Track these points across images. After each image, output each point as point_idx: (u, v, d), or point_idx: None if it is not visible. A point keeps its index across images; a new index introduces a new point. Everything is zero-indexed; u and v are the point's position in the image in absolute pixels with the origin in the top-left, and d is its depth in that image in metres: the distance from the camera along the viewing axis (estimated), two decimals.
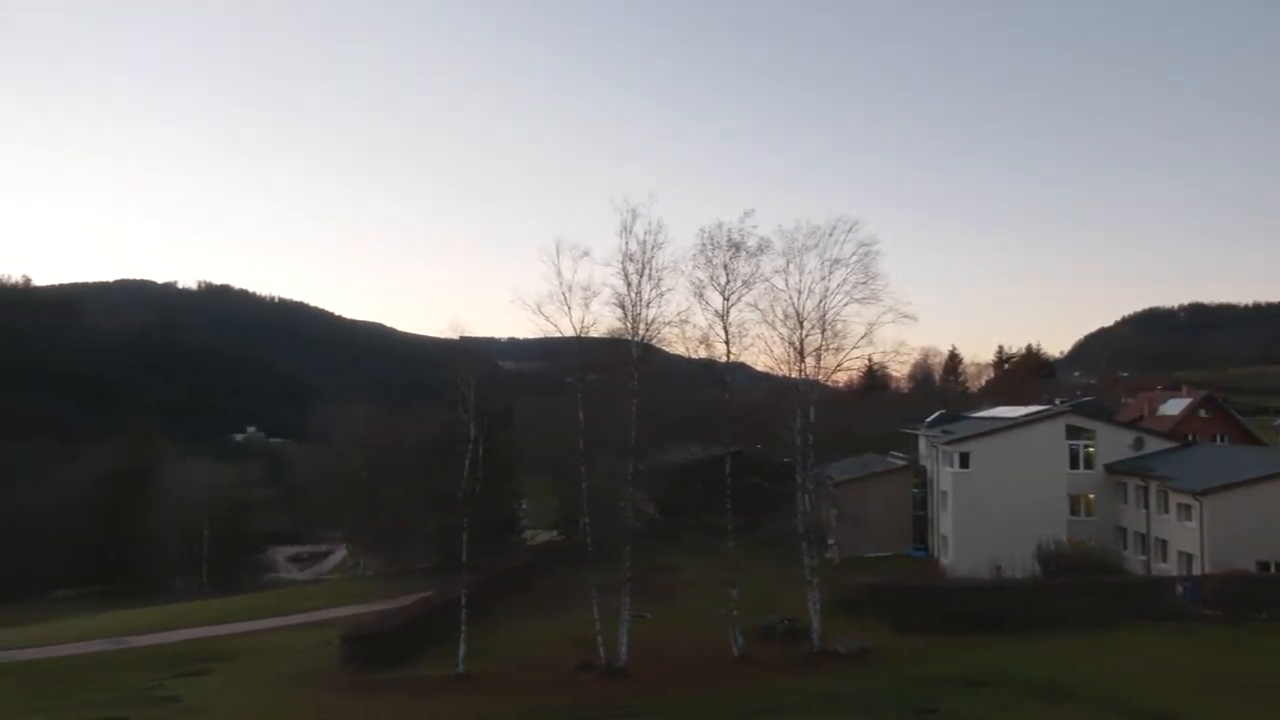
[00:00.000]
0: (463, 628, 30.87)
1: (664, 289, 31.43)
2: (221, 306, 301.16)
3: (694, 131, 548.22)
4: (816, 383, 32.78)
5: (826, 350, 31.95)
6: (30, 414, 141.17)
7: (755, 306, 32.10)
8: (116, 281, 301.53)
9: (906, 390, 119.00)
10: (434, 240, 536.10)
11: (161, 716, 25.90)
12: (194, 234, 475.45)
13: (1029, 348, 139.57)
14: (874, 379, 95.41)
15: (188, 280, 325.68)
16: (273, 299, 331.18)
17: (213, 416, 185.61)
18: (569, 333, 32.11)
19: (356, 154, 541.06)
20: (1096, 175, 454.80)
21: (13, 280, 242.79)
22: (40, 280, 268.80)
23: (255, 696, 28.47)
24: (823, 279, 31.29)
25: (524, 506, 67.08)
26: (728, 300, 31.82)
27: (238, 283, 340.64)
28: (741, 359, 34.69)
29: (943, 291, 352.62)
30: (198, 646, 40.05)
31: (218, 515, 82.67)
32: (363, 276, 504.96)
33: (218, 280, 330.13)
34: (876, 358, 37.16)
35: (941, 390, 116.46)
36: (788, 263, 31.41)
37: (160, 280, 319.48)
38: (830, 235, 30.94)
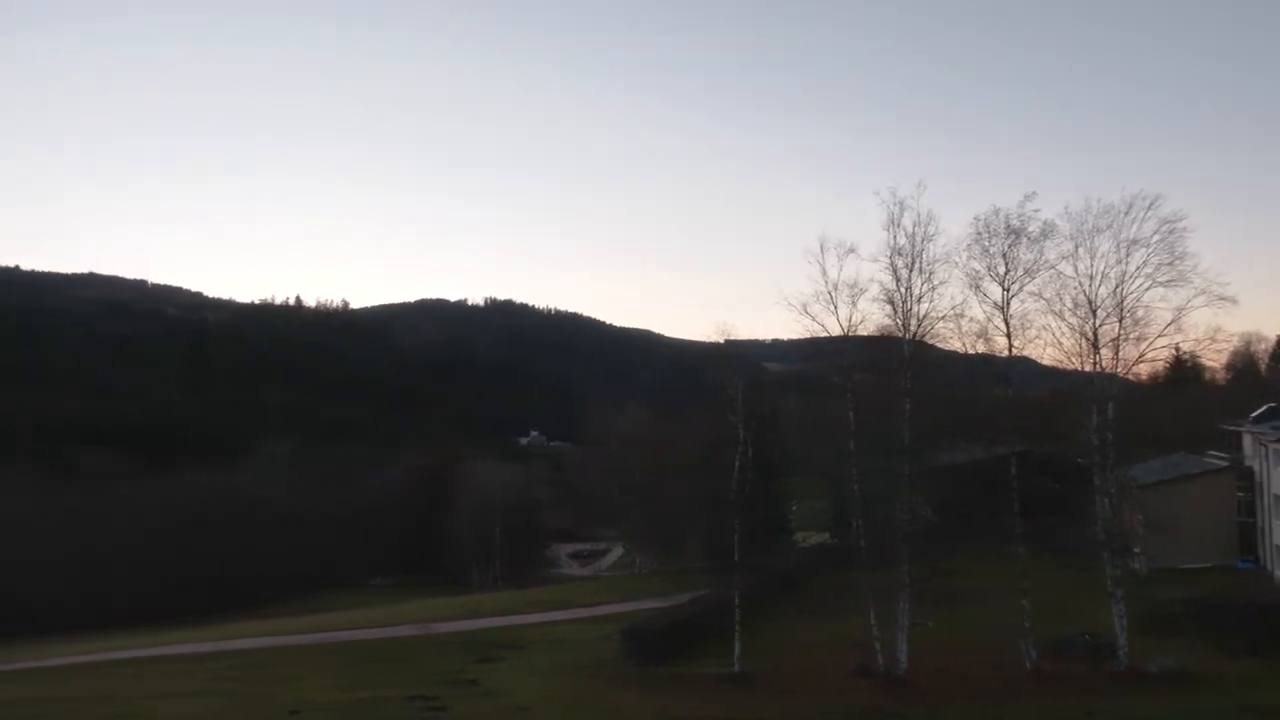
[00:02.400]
0: (737, 627, 31.03)
1: (936, 282, 29.87)
2: (506, 320, 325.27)
3: (965, 116, 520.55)
4: (1114, 376, 29.70)
5: (1125, 340, 28.84)
6: (352, 421, 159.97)
7: (1039, 296, 29.60)
8: (417, 301, 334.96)
9: (1223, 382, 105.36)
10: (699, 246, 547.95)
11: (464, 698, 28.05)
12: (481, 255, 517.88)
13: None
14: (1183, 370, 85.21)
15: (476, 297, 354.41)
16: (550, 311, 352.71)
17: (500, 422, 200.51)
18: (836, 332, 31.40)
19: (626, 169, 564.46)
20: None
21: (335, 305, 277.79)
22: (357, 304, 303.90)
23: (546, 684, 30.20)
24: (1119, 262, 28.25)
25: (794, 508, 66.58)
26: (1008, 291, 29.63)
27: (519, 297, 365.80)
28: (1025, 353, 32.19)
29: (1271, 269, 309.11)
30: (493, 635, 42.98)
31: (507, 514, 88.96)
32: (632, 286, 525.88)
33: (502, 296, 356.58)
34: (1186, 347, 32.98)
35: (1270, 380, 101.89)
36: (1076, 247, 28.66)
37: (453, 299, 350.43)
38: (1127, 214, 27.88)
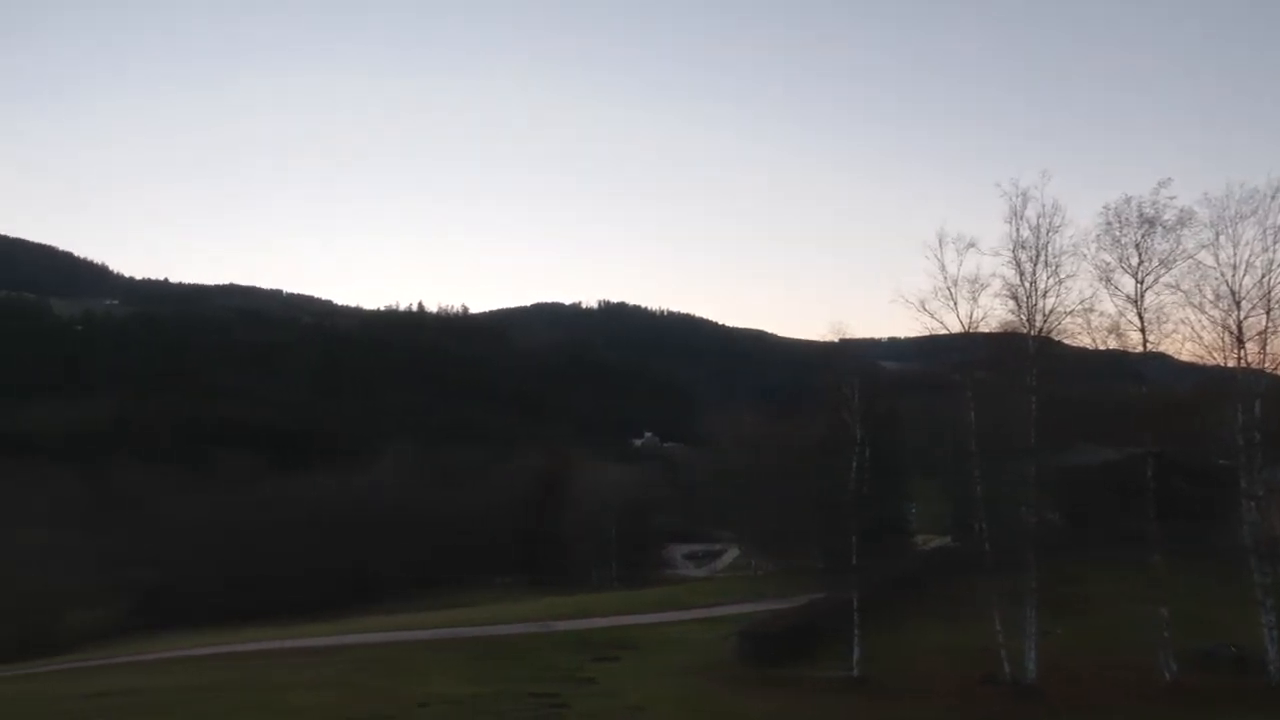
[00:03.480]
0: (856, 631, 30.52)
1: (1063, 276, 28.65)
2: (619, 322, 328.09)
3: (1090, 100, 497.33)
4: (1261, 372, 27.90)
5: (1274, 334, 27.03)
6: (471, 423, 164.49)
7: (1176, 288, 28.00)
8: (533, 305, 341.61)
9: None
10: (811, 244, 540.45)
11: (583, 696, 28.48)
12: (594, 258, 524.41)
13: None
14: None
15: (590, 300, 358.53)
16: (662, 312, 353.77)
17: (615, 423, 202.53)
18: (955, 329, 30.56)
19: (736, 169, 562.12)
20: None
21: (454, 310, 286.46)
22: (475, 308, 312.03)
23: (662, 684, 30.38)
24: (1265, 250, 26.45)
25: (913, 510, 64.99)
26: (1141, 283, 28.14)
27: (632, 299, 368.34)
28: (1160, 348, 30.56)
29: None
30: (610, 634, 43.47)
31: (622, 515, 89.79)
32: (744, 285, 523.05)
33: (615, 298, 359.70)
34: None
35: None
36: (1217, 235, 26.95)
37: (567, 302, 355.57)
38: (1273, 199, 26.16)
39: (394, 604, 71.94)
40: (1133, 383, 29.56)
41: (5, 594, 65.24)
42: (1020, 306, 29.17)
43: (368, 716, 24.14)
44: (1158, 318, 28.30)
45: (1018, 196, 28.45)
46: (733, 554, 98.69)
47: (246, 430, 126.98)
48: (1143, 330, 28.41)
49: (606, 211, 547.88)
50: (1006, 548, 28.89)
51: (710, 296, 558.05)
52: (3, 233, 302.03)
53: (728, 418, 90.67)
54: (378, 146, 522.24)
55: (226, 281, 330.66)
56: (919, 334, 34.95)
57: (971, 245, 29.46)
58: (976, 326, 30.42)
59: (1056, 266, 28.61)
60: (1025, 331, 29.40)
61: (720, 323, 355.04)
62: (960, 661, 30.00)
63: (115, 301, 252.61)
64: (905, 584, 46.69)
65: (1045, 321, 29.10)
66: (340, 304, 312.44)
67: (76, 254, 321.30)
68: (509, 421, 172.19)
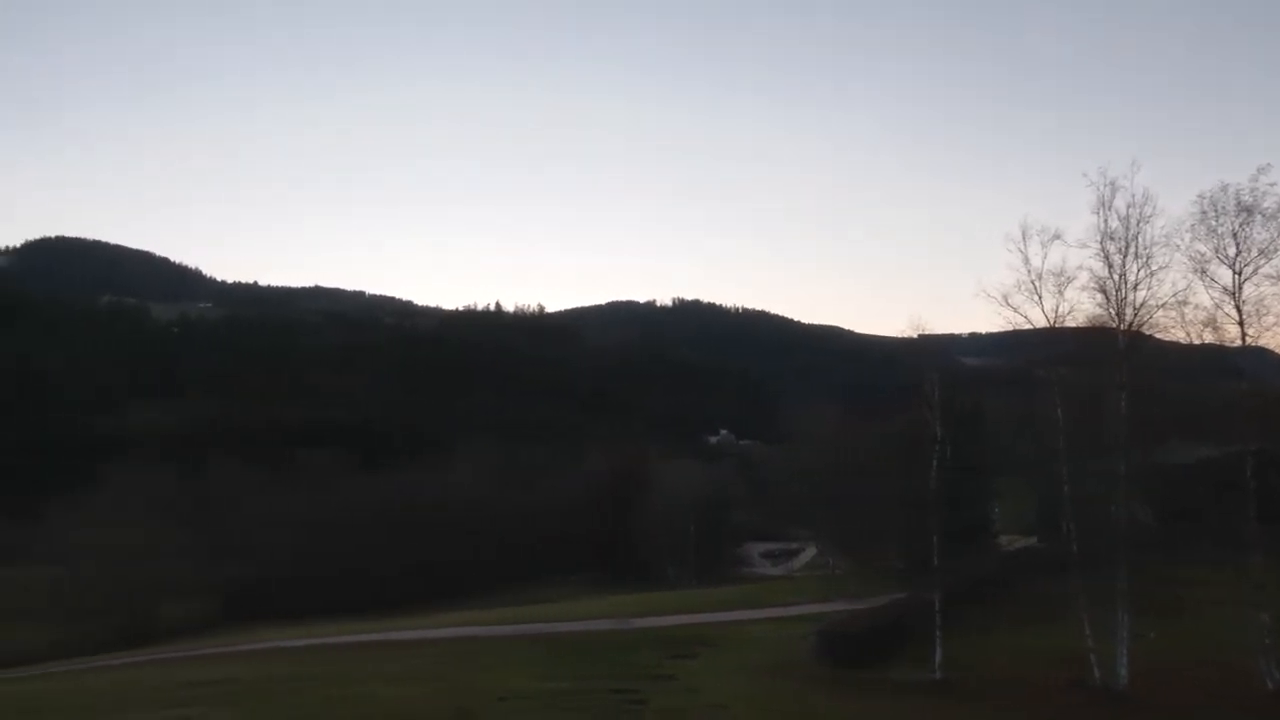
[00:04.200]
0: (937, 632, 29.94)
1: (1155, 268, 27.63)
2: (694, 319, 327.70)
3: (1181, 85, 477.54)
4: None
5: None
6: (548, 421, 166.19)
7: (1278, 279, 26.91)
8: (608, 303, 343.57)
9: None
10: (889, 238, 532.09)
11: (662, 693, 28.57)
12: (669, 256, 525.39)
13: None
14: None
15: (665, 298, 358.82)
16: (737, 309, 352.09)
17: (690, 421, 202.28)
18: (1040, 323, 29.74)
19: (811, 163, 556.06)
20: None
21: (531, 309, 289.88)
22: (551, 307, 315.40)
23: (740, 683, 30.27)
24: None
25: (997, 510, 63.33)
26: (1239, 274, 26.90)
27: (706, 296, 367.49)
28: (1260, 342, 29.23)
29: None
30: (687, 631, 43.46)
31: (699, 512, 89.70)
32: (820, 281, 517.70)
33: (689, 296, 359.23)
34: None
35: None
36: None
37: (642, 300, 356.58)
38: None
39: (472, 600, 73.24)
40: (1231, 378, 28.33)
41: (108, 587, 68.49)
42: (1109, 300, 28.26)
43: (452, 710, 24.62)
44: (1257, 310, 27.07)
45: (1106, 186, 27.54)
46: (810, 553, 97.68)
47: (332, 429, 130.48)
48: (1241, 324, 27.20)
49: (681, 209, 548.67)
50: (1096, 548, 27.99)
51: (785, 293, 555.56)
52: (107, 240, 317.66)
53: (805, 415, 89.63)
54: (457, 150, 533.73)
55: (312, 284, 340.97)
56: (1002, 329, 34.02)
57: (1057, 237, 28.66)
58: (1063, 321, 29.61)
59: (1148, 258, 27.65)
60: (1114, 326, 28.45)
61: (796, 319, 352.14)
62: (1047, 665, 29.23)
63: (209, 305, 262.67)
64: (989, 585, 45.62)
65: (1136, 315, 28.13)
66: (420, 304, 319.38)
67: (173, 259, 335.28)
68: (584, 420, 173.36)
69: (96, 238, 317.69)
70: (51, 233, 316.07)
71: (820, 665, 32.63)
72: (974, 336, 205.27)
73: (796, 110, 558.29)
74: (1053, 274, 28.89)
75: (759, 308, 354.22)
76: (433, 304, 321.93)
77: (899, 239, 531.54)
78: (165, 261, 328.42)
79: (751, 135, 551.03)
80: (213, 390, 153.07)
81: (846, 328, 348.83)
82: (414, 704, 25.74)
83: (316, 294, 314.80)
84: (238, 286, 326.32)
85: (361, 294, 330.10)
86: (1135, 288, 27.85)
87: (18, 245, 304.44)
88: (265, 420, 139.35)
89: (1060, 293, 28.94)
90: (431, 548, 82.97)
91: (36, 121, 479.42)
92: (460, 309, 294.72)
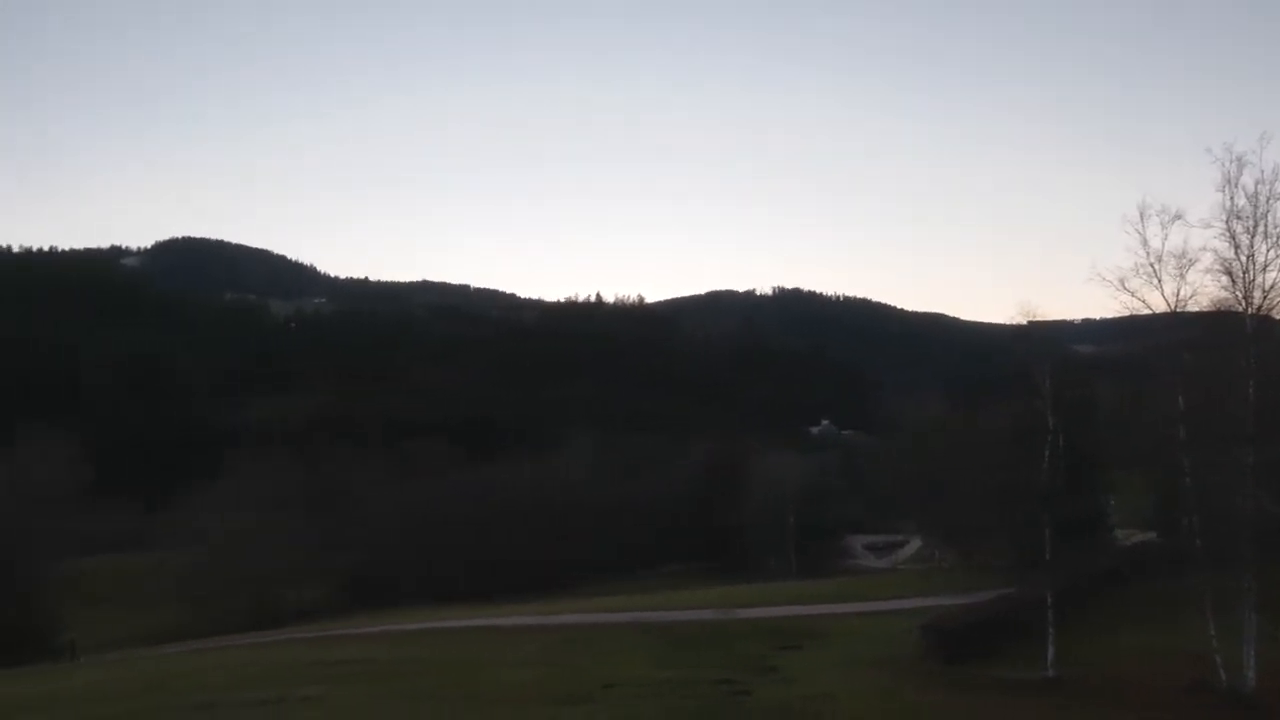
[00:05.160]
0: (1050, 629, 29.16)
1: None
2: (794, 308, 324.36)
3: None
4: None
5: None
6: (648, 412, 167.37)
7: None
8: (708, 293, 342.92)
9: None
10: (995, 222, 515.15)
11: (766, 684, 28.67)
12: (769, 245, 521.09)
13: None
14: None
15: (765, 287, 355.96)
16: (838, 297, 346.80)
17: (791, 412, 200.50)
18: (1160, 308, 28.56)
19: (912, 146, 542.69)
20: None
21: (631, 300, 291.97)
22: (651, 298, 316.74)
23: (844, 676, 30.08)
24: None
25: (1112, 503, 60.91)
26: None
27: (807, 285, 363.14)
28: None
29: None
30: (791, 623, 43.31)
31: (800, 503, 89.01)
32: (924, 268, 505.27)
33: (789, 285, 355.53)
34: None
35: None
36: None
37: (742, 289, 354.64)
38: None
39: (576, 589, 74.55)
40: None
41: (234, 571, 72.48)
42: (1235, 283, 26.96)
43: (563, 695, 25.33)
44: None
45: (1232, 162, 26.17)
46: (915, 546, 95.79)
47: (441, 421, 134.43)
48: None
49: (780, 197, 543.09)
50: (1220, 543, 26.77)
51: (888, 280, 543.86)
52: (229, 239, 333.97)
53: (908, 405, 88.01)
54: (556, 145, 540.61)
55: (419, 278, 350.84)
56: (1118, 314, 32.82)
57: (1178, 217, 27.40)
58: (1184, 305, 28.38)
59: (1278, 238, 26.24)
60: (1241, 310, 27.18)
61: (899, 307, 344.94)
62: (1166, 666, 28.16)
63: (323, 300, 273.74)
64: (1104, 581, 44.06)
65: (1265, 298, 26.80)
66: (523, 297, 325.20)
67: (289, 257, 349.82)
68: (685, 411, 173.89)
69: (220, 238, 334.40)
70: (179, 233, 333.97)
71: (927, 660, 32.16)
72: (1087, 323, 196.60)
73: (895, 93, 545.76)
74: (1174, 256, 27.70)
75: (860, 295, 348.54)
76: (535, 296, 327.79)
77: (1007, 222, 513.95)
78: (282, 259, 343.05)
79: (851, 119, 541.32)
80: (328, 383, 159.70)
81: (951, 315, 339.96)
82: (526, 688, 26.58)
83: (424, 288, 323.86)
84: (350, 282, 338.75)
85: (467, 287, 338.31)
86: (1264, 269, 26.56)
87: (148, 246, 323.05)
88: (377, 412, 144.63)
89: (1182, 276, 27.75)
90: (537, 537, 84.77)
91: (165, 129, 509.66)
92: (562, 301, 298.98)
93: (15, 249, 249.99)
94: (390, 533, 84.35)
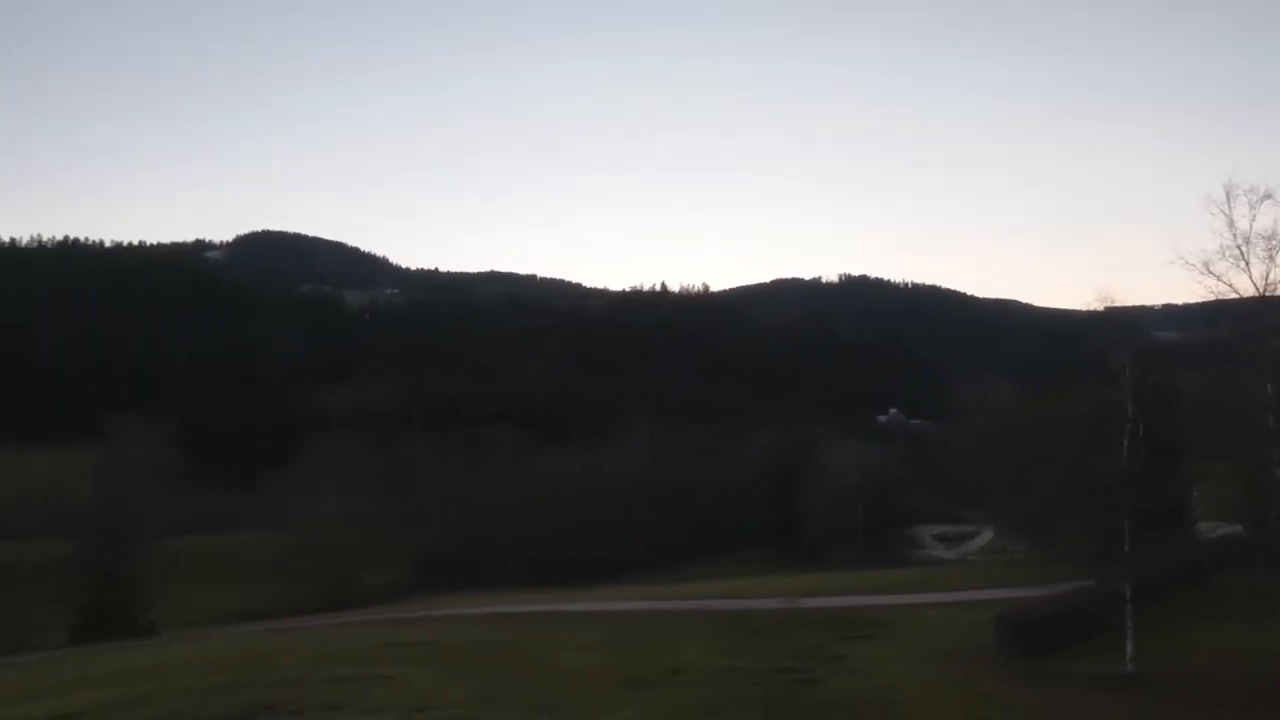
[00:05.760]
0: (1129, 623, 28.41)
1: None
2: (860, 296, 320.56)
3: None
4: None
5: None
6: (714, 400, 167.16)
7: None
8: (773, 281, 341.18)
9: None
10: (1069, 204, 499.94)
11: (833, 674, 28.53)
12: (834, 232, 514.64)
13: None
14: None
15: (831, 274, 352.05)
16: (906, 284, 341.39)
17: (858, 400, 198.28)
18: (1248, 292, 27.70)
19: (980, 125, 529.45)
20: None
21: (695, 289, 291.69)
22: (716, 286, 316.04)
23: (913, 667, 29.76)
24: None
25: (1195, 494, 58.89)
26: None
27: (874, 272, 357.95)
28: None
29: None
30: (858, 613, 42.86)
31: (867, 492, 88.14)
32: (995, 253, 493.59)
33: (856, 272, 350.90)
34: None
35: None
36: None
37: (807, 277, 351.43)
38: None
39: (642, 576, 75.02)
40: None
41: (315, 554, 74.74)
42: None
43: (631, 679, 25.61)
44: None
45: None
46: (986, 536, 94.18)
47: (509, 408, 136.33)
48: None
49: (846, 183, 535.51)
50: None
51: (959, 266, 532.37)
52: (305, 232, 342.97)
53: (980, 393, 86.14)
54: (621, 135, 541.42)
55: (487, 269, 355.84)
56: (1202, 299, 31.81)
57: (1268, 197, 26.53)
58: (1274, 289, 27.38)
59: None
60: None
61: (970, 293, 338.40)
62: (1252, 664, 27.21)
63: (395, 291, 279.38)
64: (1186, 574, 42.73)
65: None
66: (589, 286, 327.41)
67: (362, 248, 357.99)
68: (751, 400, 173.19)
69: (297, 230, 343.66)
70: (259, 227, 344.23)
71: (999, 653, 31.61)
72: (1168, 308, 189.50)
73: (965, 72, 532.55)
74: (1262, 237, 26.89)
75: (929, 282, 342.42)
76: (600, 286, 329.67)
77: (1083, 204, 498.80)
78: (355, 251, 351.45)
79: (918, 99, 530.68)
80: (400, 371, 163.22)
81: (1024, 301, 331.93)
82: (593, 672, 26.95)
83: (492, 278, 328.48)
84: (420, 273, 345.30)
85: (534, 277, 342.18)
86: None
87: (230, 239, 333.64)
88: (447, 399, 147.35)
89: (1271, 258, 26.94)
90: (603, 524, 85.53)
91: (245, 127, 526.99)
92: (627, 290, 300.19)
93: (107, 244, 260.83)
94: (460, 518, 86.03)
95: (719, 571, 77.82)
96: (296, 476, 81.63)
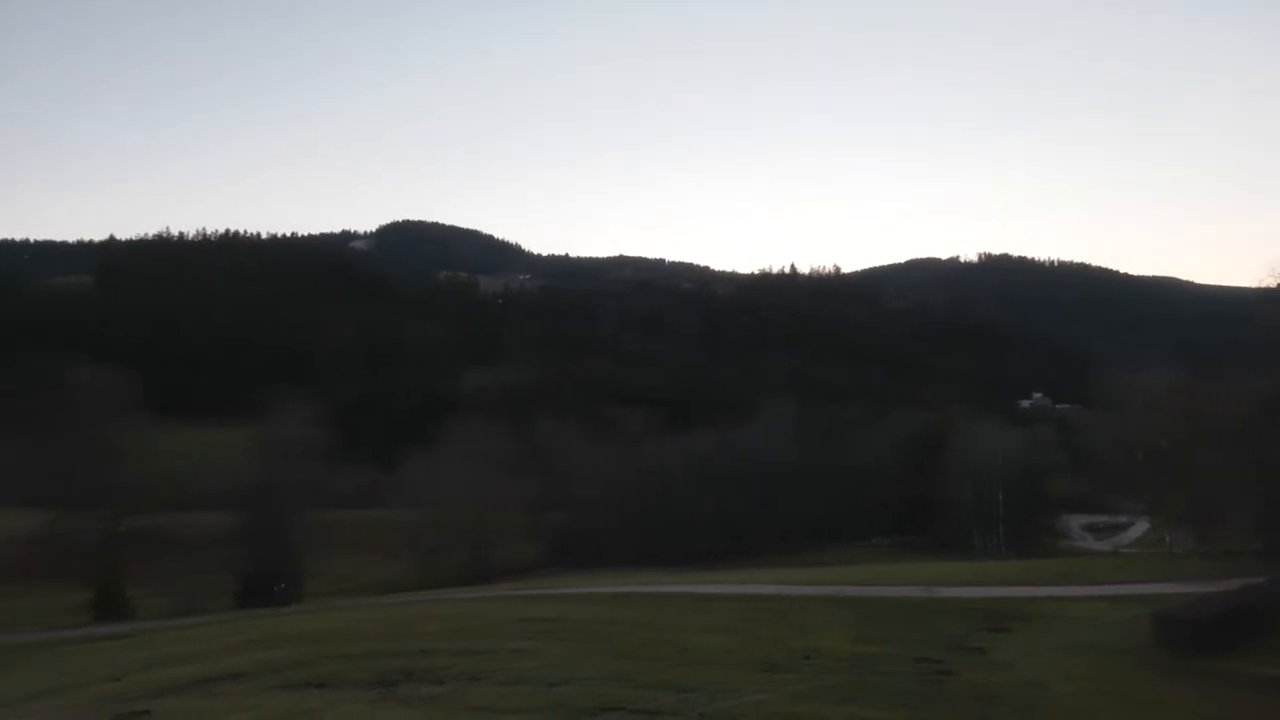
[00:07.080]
0: None
1: None
2: (1002, 276, 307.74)
3: None
4: None
5: None
6: (846, 383, 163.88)
7: None
8: (907, 262, 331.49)
9: None
10: (1236, 174, 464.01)
11: (972, 666, 27.37)
12: (974, 210, 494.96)
13: None
14: None
15: (969, 254, 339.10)
16: (1051, 263, 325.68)
17: (999, 383, 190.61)
18: None
19: (1124, 88, 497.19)
20: None
21: (826, 270, 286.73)
22: (847, 267, 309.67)
23: (1060, 662, 28.28)
24: None
25: None
26: None
27: (1016, 250, 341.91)
28: None
29: None
30: (999, 604, 41.13)
31: (1010, 479, 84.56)
32: (1150, 228, 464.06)
33: (996, 250, 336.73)
34: None
35: None
36: None
37: (944, 256, 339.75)
38: None
39: (772, 559, 74.35)
40: None
41: (452, 529, 77.46)
42: None
43: (763, 662, 25.26)
44: None
45: None
46: (1141, 527, 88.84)
47: (641, 390, 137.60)
48: None
49: (985, 155, 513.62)
50: None
51: (1109, 242, 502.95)
52: (442, 221, 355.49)
53: (1135, 376, 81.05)
54: (747, 116, 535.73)
55: (616, 254, 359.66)
56: None
57: None
58: None
59: None
60: None
61: (1122, 271, 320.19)
62: None
63: (527, 277, 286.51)
64: None
65: None
66: (717, 269, 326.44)
67: (496, 236, 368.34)
68: (885, 382, 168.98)
69: (435, 219, 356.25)
70: (400, 217, 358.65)
71: (1157, 651, 29.67)
72: None
73: (1117, 35, 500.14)
74: None
75: (1077, 260, 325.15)
76: (729, 269, 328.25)
77: (1250, 172, 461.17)
78: (490, 238, 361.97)
79: (1064, 66, 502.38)
80: (534, 354, 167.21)
81: (1183, 278, 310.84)
82: (722, 654, 26.71)
83: (621, 263, 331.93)
84: (551, 259, 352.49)
85: (662, 261, 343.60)
86: None
87: (373, 230, 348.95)
88: (579, 382, 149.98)
89: None
90: (733, 506, 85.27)
91: (387, 120, 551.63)
92: (756, 273, 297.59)
93: (263, 235, 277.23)
94: (592, 497, 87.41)
95: (853, 556, 76.35)
96: (436, 456, 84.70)
